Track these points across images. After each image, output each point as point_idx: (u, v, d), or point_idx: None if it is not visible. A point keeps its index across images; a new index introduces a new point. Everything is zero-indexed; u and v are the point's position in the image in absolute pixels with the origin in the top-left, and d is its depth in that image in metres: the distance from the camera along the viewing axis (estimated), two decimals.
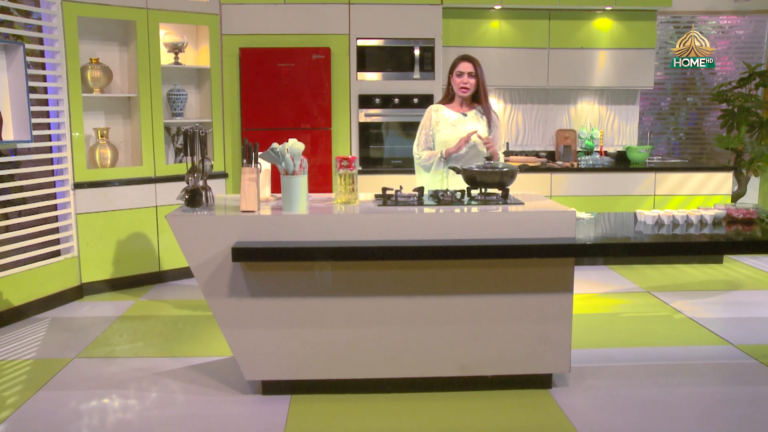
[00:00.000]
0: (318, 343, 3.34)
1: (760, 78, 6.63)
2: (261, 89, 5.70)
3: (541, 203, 3.53)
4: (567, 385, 3.50)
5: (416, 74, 5.84)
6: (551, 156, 6.55)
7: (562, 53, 6.12)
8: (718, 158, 7.02)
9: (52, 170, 4.99)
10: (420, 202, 3.49)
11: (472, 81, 4.04)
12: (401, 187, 3.64)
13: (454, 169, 3.69)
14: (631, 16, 6.12)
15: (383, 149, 5.93)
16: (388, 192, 3.63)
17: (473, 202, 3.51)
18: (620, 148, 6.63)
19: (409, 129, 5.93)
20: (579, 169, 6.00)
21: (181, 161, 5.73)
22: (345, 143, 5.87)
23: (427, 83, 5.86)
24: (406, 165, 5.89)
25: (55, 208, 5.02)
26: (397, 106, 5.86)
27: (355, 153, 5.89)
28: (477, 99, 4.12)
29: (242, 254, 3.11)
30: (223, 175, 5.77)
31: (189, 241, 3.23)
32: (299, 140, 3.33)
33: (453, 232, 3.22)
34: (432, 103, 5.81)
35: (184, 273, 5.65)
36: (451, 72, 4.10)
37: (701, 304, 4.94)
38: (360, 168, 5.90)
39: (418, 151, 4.14)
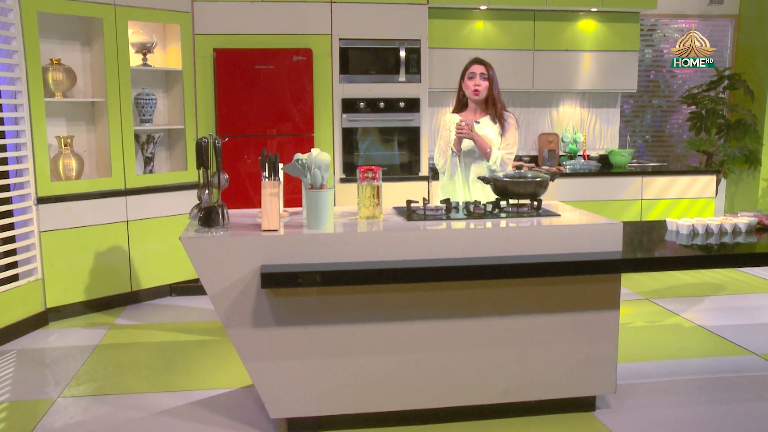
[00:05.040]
0: (350, 373, 3.03)
1: (729, 81, 6.70)
2: (238, 93, 5.30)
3: (578, 214, 3.34)
4: (609, 406, 3.31)
5: (402, 77, 5.57)
6: (534, 161, 6.40)
7: (547, 55, 5.98)
8: (684, 160, 7.06)
9: (9, 184, 4.45)
10: (449, 216, 3.24)
11: (485, 83, 3.82)
12: (426, 200, 3.38)
13: (483, 179, 3.45)
14: (614, 18, 6.04)
15: (368, 156, 5.64)
16: (413, 205, 3.37)
17: (503, 215, 3.28)
18: (602, 152, 6.55)
19: (395, 134, 5.66)
20: (566, 174, 5.86)
21: (151, 171, 5.27)
22: (328, 150, 5.54)
23: (413, 86, 5.59)
24: (392, 172, 5.62)
25: (12, 226, 4.49)
26: (383, 110, 5.57)
27: (339, 160, 5.57)
28: (489, 104, 3.90)
29: (273, 279, 2.76)
30: (197, 186, 5.31)
31: (207, 266, 2.87)
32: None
33: (491, 248, 2.98)
34: (419, 108, 5.64)
35: (159, 292, 5.20)
36: (462, 77, 3.87)
37: (703, 310, 4.88)
38: (343, 176, 5.59)
39: (438, 159, 3.89)
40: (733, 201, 7.19)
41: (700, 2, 6.80)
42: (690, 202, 6.06)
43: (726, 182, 7.17)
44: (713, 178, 6.15)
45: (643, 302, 5.06)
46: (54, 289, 4.66)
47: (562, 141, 6.41)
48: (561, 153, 6.42)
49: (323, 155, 3.02)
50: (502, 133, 3.87)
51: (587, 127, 6.55)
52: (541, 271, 2.94)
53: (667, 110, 7.15)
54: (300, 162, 2.97)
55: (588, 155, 6.41)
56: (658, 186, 6.01)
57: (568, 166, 6.10)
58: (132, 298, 5.07)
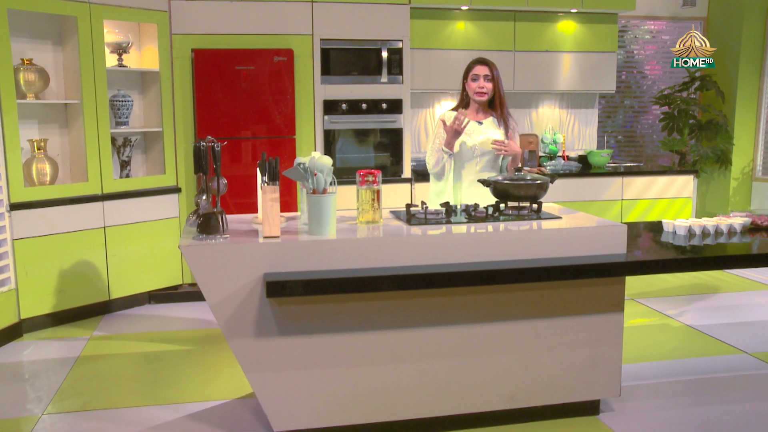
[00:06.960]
0: (356, 383, 2.94)
1: (700, 82, 6.79)
2: (217, 94, 5.16)
3: (578, 217, 3.31)
4: (612, 409, 3.29)
5: (384, 78, 5.50)
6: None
7: (528, 56, 5.97)
8: (655, 160, 7.15)
9: None
10: (449, 220, 3.18)
11: (489, 85, 3.76)
12: (424, 203, 3.31)
13: (483, 182, 3.40)
14: (593, 19, 6.07)
15: (350, 158, 5.55)
16: (413, 209, 3.31)
17: (502, 218, 3.23)
18: (581, 152, 6.58)
19: (378, 136, 5.58)
20: (547, 175, 5.86)
21: (128, 175, 5.10)
22: (310, 152, 5.43)
23: (395, 87, 5.53)
24: None
25: None
26: (365, 111, 5.49)
27: None
28: (493, 106, 3.85)
29: (278, 288, 2.66)
30: (176, 190, 5.17)
31: (207, 275, 2.75)
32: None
33: (494, 253, 2.92)
34: (401, 109, 5.57)
35: (137, 300, 5.04)
36: (465, 77, 3.81)
37: (689, 310, 4.91)
38: None
39: (429, 158, 3.81)
40: (705, 200, 7.30)
41: (671, 4, 6.88)
42: (669, 202, 6.12)
43: (698, 182, 7.28)
44: (690, 178, 6.23)
45: (628, 302, 5.09)
46: (28, 299, 4.46)
47: (542, 142, 6.42)
48: (541, 154, 6.43)
49: (325, 158, 2.93)
50: (509, 139, 3.82)
51: (566, 128, 6.57)
52: (548, 275, 2.90)
53: (639, 110, 7.22)
54: (302, 166, 2.88)
55: (567, 156, 6.43)
56: (637, 186, 6.06)
57: (548, 167, 6.11)
58: (110, 307, 4.89)
